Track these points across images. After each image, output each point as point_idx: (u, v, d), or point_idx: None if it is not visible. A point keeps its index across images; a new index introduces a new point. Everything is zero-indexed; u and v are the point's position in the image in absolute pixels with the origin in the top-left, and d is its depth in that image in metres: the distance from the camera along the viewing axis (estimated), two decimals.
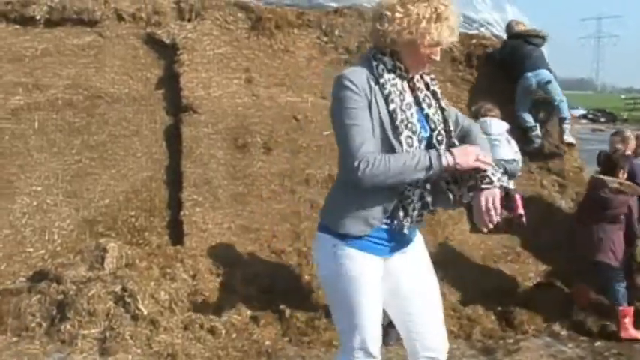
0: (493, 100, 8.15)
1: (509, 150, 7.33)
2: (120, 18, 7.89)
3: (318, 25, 8.18)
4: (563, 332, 6.83)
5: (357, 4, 8.52)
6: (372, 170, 3.27)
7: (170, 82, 7.73)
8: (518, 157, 7.47)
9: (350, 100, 3.32)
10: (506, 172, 6.80)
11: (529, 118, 8.21)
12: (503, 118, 7.72)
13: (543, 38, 8.59)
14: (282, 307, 6.63)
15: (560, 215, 8.03)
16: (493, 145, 6.77)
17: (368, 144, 3.30)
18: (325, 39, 8.14)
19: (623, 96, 69.50)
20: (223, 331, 6.27)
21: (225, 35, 7.94)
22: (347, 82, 3.33)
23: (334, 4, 8.59)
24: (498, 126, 7.40)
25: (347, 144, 3.34)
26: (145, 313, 6.07)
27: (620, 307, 6.72)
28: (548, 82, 8.24)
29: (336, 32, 8.16)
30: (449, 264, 7.42)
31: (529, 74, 8.21)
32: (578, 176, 8.36)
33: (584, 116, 33.20)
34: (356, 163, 3.27)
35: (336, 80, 3.40)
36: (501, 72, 8.43)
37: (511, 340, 6.65)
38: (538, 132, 8.24)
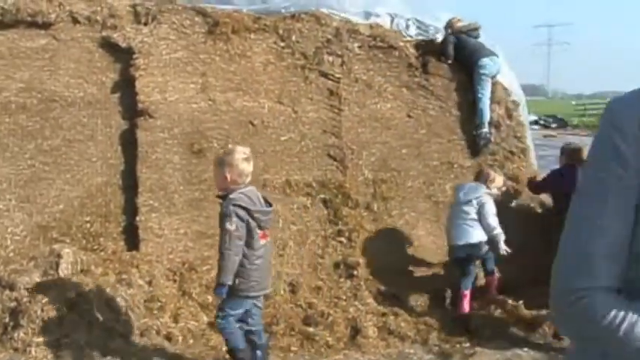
0: (449, 106, 8.27)
1: None
2: (75, 21, 7.78)
3: (275, 30, 8.16)
4: (519, 335, 6.90)
5: (315, 9, 8.53)
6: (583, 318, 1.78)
7: (126, 86, 7.65)
8: None
9: (606, 160, 1.80)
10: None
11: (488, 113, 8.40)
12: (464, 120, 7.94)
13: (479, 29, 8.92)
14: None
15: (514, 221, 8.12)
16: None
17: (604, 264, 1.76)
18: (282, 44, 8.13)
19: (574, 102, 70.49)
20: (180, 338, 6.26)
21: (181, 39, 7.88)
22: (613, 119, 1.82)
23: (292, 9, 8.57)
24: None
25: (568, 239, 1.86)
26: (101, 319, 6.02)
27: None
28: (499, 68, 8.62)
29: (293, 37, 8.15)
30: (405, 269, 7.51)
31: (485, 59, 8.45)
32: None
33: (535, 122, 33.60)
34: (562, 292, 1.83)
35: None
36: (457, 76, 8.52)
37: (467, 345, 6.71)
38: (488, 129, 8.41)
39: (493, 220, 7.23)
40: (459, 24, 8.79)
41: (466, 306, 7.12)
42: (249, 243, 5.36)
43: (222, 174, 5.40)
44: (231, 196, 5.32)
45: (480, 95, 8.37)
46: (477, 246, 7.18)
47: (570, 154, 8.18)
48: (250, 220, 5.33)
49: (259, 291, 5.54)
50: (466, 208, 7.22)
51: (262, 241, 5.44)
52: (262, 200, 5.55)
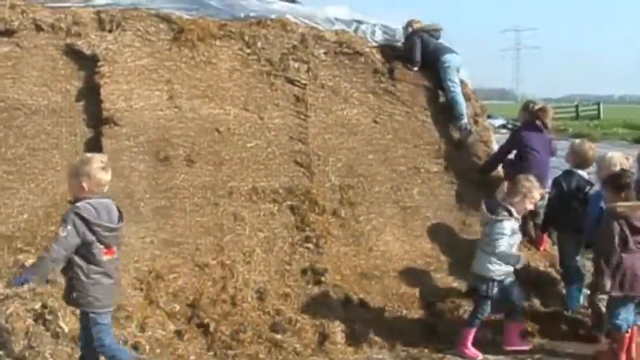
0: (415, 112, 8.33)
1: None
2: (38, 28, 7.72)
3: (240, 37, 8.17)
4: (487, 340, 6.93)
5: (281, 15, 8.54)
6: None
7: (90, 94, 7.60)
8: None
9: None
10: None
11: (464, 103, 8.58)
12: (431, 125, 8.03)
13: (440, 31, 9.13)
14: (206, 321, 6.61)
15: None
16: None
17: None
18: (248, 50, 8.13)
19: None
20: (147, 347, 6.20)
21: (146, 47, 7.85)
22: None
23: (257, 15, 8.56)
24: None
25: None
26: (66, 330, 5.95)
27: None
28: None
29: (259, 44, 8.16)
30: (373, 275, 7.51)
31: (447, 55, 8.70)
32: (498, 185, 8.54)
33: (503, 126, 33.85)
34: None
35: None
36: (423, 82, 8.60)
37: (435, 350, 6.75)
38: (467, 120, 8.57)
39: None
40: (418, 24, 8.92)
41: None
42: (86, 256, 5.14)
43: (79, 184, 5.18)
44: (77, 204, 5.14)
45: (451, 88, 8.54)
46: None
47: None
48: (87, 233, 5.11)
49: (100, 308, 5.27)
50: None
51: (105, 257, 5.22)
52: (115, 215, 5.31)
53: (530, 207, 6.78)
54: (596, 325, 7.14)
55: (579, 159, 7.62)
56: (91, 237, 5.12)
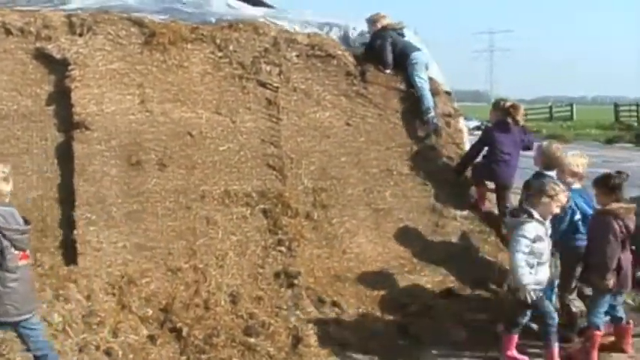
0: (387, 114, 8.35)
1: None
2: (7, 32, 7.67)
3: (212, 40, 8.15)
4: (460, 341, 6.96)
5: (252, 19, 8.54)
6: None
7: (61, 98, 7.55)
8: None
9: None
10: None
11: (430, 98, 8.63)
12: (403, 127, 8.09)
13: (404, 28, 9.21)
14: (179, 325, 6.58)
15: (453, 227, 8.22)
16: None
17: None
18: (219, 54, 8.12)
19: None
20: (120, 352, 6.18)
21: (117, 50, 7.81)
22: None
23: (229, 18, 8.55)
24: None
25: None
26: None
27: None
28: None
29: (231, 47, 8.15)
30: (346, 277, 7.52)
31: (415, 52, 8.78)
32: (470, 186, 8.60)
33: (478, 128, 33.97)
34: None
35: None
36: (395, 84, 8.63)
37: (409, 351, 6.76)
38: (434, 114, 8.60)
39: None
40: (386, 21, 8.97)
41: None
42: (1, 264, 5.10)
43: None
44: None
45: (419, 84, 8.58)
46: None
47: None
48: (2, 240, 5.06)
49: (17, 316, 5.22)
50: None
51: (20, 262, 5.18)
52: (21, 220, 5.25)
53: (557, 210, 6.55)
54: (569, 325, 7.19)
55: (547, 160, 7.66)
56: (5, 242, 5.07)
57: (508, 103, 8.50)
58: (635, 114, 49.56)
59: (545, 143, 7.98)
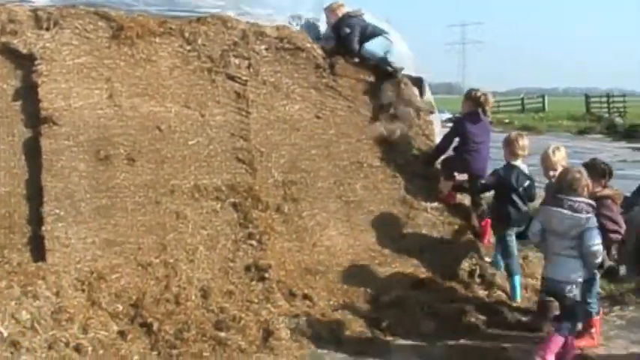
0: (357, 106, 8.36)
1: None
2: None
3: (180, 34, 8.08)
4: (431, 332, 6.99)
5: (221, 12, 8.49)
6: None
7: (28, 94, 7.45)
8: None
9: None
10: None
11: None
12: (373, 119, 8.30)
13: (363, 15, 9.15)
14: (150, 320, 6.56)
15: (424, 219, 8.25)
16: None
17: None
18: (188, 47, 8.06)
19: None
20: (90, 349, 6.15)
21: (85, 45, 7.73)
22: None
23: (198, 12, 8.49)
24: None
25: None
26: (5, 334, 5.88)
27: None
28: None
29: (199, 40, 8.09)
30: (317, 270, 7.53)
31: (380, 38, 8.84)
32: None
33: (450, 120, 34.16)
34: None
35: None
36: (364, 76, 8.64)
37: (381, 343, 6.78)
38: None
39: None
40: (345, 9, 8.99)
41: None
42: None
43: None
44: None
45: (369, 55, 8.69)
46: None
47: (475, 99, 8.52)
48: None
49: None
50: None
51: None
52: None
53: None
54: (541, 314, 7.23)
55: (513, 148, 7.75)
56: None
57: (479, 93, 8.54)
58: (605, 105, 50.15)
59: (512, 134, 8.06)
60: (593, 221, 6.11)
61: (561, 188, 6.28)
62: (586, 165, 6.96)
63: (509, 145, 7.79)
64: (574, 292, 6.16)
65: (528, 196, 7.77)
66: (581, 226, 6.09)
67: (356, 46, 8.68)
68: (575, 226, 6.12)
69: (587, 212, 6.12)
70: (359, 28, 8.76)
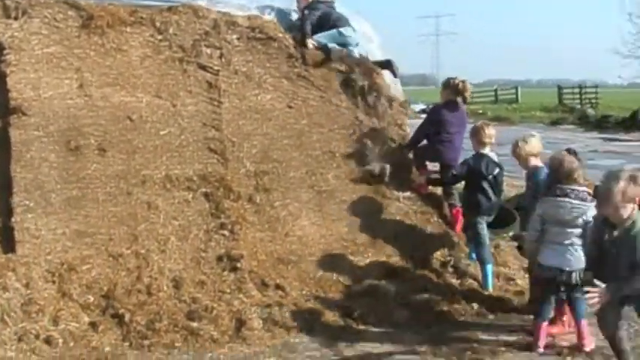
0: (329, 96, 8.36)
1: None
2: None
3: (151, 23, 8.02)
4: (403, 321, 7.02)
5: (192, 1, 8.45)
6: None
7: None
8: None
9: None
10: None
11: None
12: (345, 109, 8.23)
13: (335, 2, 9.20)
14: (121, 311, 6.56)
15: (396, 208, 8.27)
16: None
17: None
18: (159, 37, 8.00)
19: None
20: (60, 341, 6.15)
21: (54, 34, 7.64)
22: None
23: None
24: None
25: None
26: None
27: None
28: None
29: (171, 30, 8.03)
30: (289, 260, 7.53)
31: (348, 28, 8.89)
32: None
33: (423, 111, 34.27)
34: None
35: None
36: (336, 66, 8.64)
37: (353, 332, 6.80)
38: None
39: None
40: None
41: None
42: None
43: None
44: None
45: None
46: None
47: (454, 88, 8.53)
48: None
49: None
50: None
51: None
52: None
53: None
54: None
55: (480, 137, 7.80)
56: None
57: (457, 80, 8.57)
58: (577, 96, 50.57)
59: (478, 124, 8.11)
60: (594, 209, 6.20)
61: (559, 179, 6.35)
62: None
63: (477, 135, 7.85)
64: (578, 280, 6.23)
65: (498, 184, 7.82)
66: (586, 214, 6.20)
67: (307, 28, 8.70)
68: (582, 215, 6.21)
69: (591, 201, 6.21)
70: (319, 14, 8.77)
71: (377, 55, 9.35)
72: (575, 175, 6.32)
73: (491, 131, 7.88)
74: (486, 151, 7.80)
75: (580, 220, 6.22)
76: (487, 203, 7.71)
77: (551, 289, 6.42)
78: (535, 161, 7.29)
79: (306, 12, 8.83)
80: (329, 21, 8.84)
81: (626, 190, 5.13)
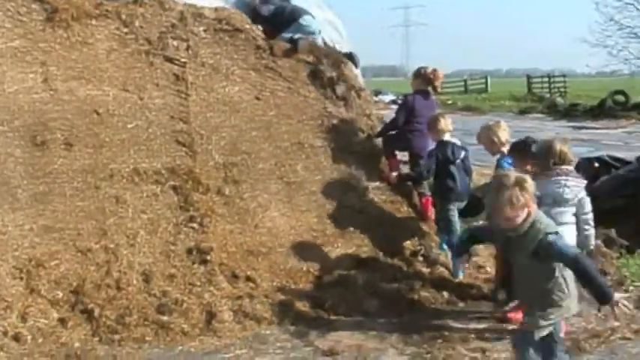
0: (297, 87, 8.35)
1: None
2: None
3: (117, 16, 7.94)
4: (373, 310, 7.03)
5: None
6: None
7: None
8: None
9: None
10: None
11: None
12: (313, 100, 8.28)
13: None
14: (90, 306, 6.51)
15: (365, 197, 8.29)
16: None
17: None
18: (125, 30, 7.93)
19: None
20: (29, 337, 6.11)
21: (18, 28, 7.55)
22: None
23: None
24: None
25: None
26: None
27: None
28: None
29: (137, 23, 7.96)
30: (259, 251, 7.52)
31: (307, 17, 8.86)
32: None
33: (393, 101, 34.40)
34: None
35: None
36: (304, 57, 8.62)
37: (324, 322, 6.82)
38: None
39: None
40: None
41: None
42: None
43: None
44: None
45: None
46: None
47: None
48: None
49: None
50: None
51: None
52: None
53: None
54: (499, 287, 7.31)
55: (436, 128, 7.86)
56: None
57: (429, 69, 8.61)
58: (547, 86, 50.99)
59: (432, 117, 8.17)
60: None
61: (554, 160, 6.37)
62: (516, 144, 7.09)
63: (432, 128, 7.92)
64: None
65: (466, 167, 7.87)
66: (581, 192, 6.34)
67: (262, 11, 8.76)
68: (578, 193, 6.36)
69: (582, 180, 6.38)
70: (272, 7, 8.85)
71: (342, 42, 9.33)
72: (569, 156, 6.41)
73: (447, 120, 7.96)
74: (447, 137, 7.85)
75: (576, 199, 6.33)
76: (458, 188, 7.75)
77: None
78: (504, 148, 7.37)
79: (257, 2, 8.82)
80: (283, 13, 8.82)
81: (512, 199, 4.67)
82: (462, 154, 7.82)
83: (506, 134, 7.46)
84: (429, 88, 8.59)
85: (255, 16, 8.73)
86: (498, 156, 7.41)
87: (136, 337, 6.27)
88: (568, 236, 6.16)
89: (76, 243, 7.01)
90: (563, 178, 6.33)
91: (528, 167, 6.65)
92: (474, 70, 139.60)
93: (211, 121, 7.95)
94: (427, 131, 8.06)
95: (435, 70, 8.60)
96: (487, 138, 7.48)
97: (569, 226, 6.31)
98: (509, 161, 7.08)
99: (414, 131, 8.39)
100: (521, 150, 6.96)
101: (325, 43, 9.01)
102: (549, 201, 6.24)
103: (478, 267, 7.95)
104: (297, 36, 8.58)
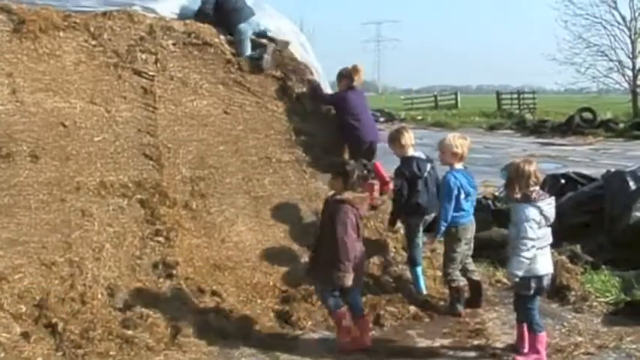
0: (265, 101, 8.35)
1: None
2: None
3: (85, 28, 7.93)
4: None
5: (127, 6, 8.35)
6: None
7: None
8: None
9: None
10: None
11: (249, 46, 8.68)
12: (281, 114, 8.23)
13: None
14: (54, 320, 6.44)
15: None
16: None
17: None
18: (94, 42, 7.91)
19: (402, 97, 73.01)
20: None
21: None
22: None
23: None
24: None
25: None
26: None
27: None
28: (259, 26, 8.85)
29: (105, 35, 7.95)
30: (226, 266, 7.50)
31: (242, 25, 8.66)
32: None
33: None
34: None
35: None
36: (272, 72, 8.62)
37: (290, 337, 6.82)
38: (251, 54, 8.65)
39: None
40: None
41: None
42: None
43: None
44: None
45: (241, 36, 8.62)
46: None
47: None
48: None
49: None
50: None
51: None
52: None
53: None
54: (456, 300, 7.45)
55: (399, 143, 7.87)
56: None
57: (349, 67, 8.75)
58: (516, 102, 51.49)
59: (392, 131, 8.23)
60: None
61: (527, 183, 6.16)
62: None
63: (396, 143, 7.90)
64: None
65: (434, 179, 7.87)
66: None
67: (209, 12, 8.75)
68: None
69: None
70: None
71: (308, 57, 9.32)
72: (540, 177, 6.32)
73: (410, 134, 7.95)
74: (411, 152, 7.86)
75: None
76: (426, 202, 7.76)
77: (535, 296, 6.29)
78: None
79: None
80: (222, 10, 8.75)
81: None
82: (428, 166, 7.82)
83: (454, 148, 7.48)
84: (355, 83, 8.70)
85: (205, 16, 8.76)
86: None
87: (100, 352, 6.19)
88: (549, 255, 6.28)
89: (41, 256, 6.95)
90: (550, 200, 6.22)
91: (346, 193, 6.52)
92: (445, 86, 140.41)
93: (179, 135, 7.94)
94: (390, 145, 8.03)
95: (354, 66, 8.77)
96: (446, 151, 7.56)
97: (548, 247, 6.30)
98: (463, 174, 7.32)
99: (355, 125, 8.47)
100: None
101: (274, 40, 8.91)
102: (542, 223, 6.13)
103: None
104: (257, 51, 8.57)
